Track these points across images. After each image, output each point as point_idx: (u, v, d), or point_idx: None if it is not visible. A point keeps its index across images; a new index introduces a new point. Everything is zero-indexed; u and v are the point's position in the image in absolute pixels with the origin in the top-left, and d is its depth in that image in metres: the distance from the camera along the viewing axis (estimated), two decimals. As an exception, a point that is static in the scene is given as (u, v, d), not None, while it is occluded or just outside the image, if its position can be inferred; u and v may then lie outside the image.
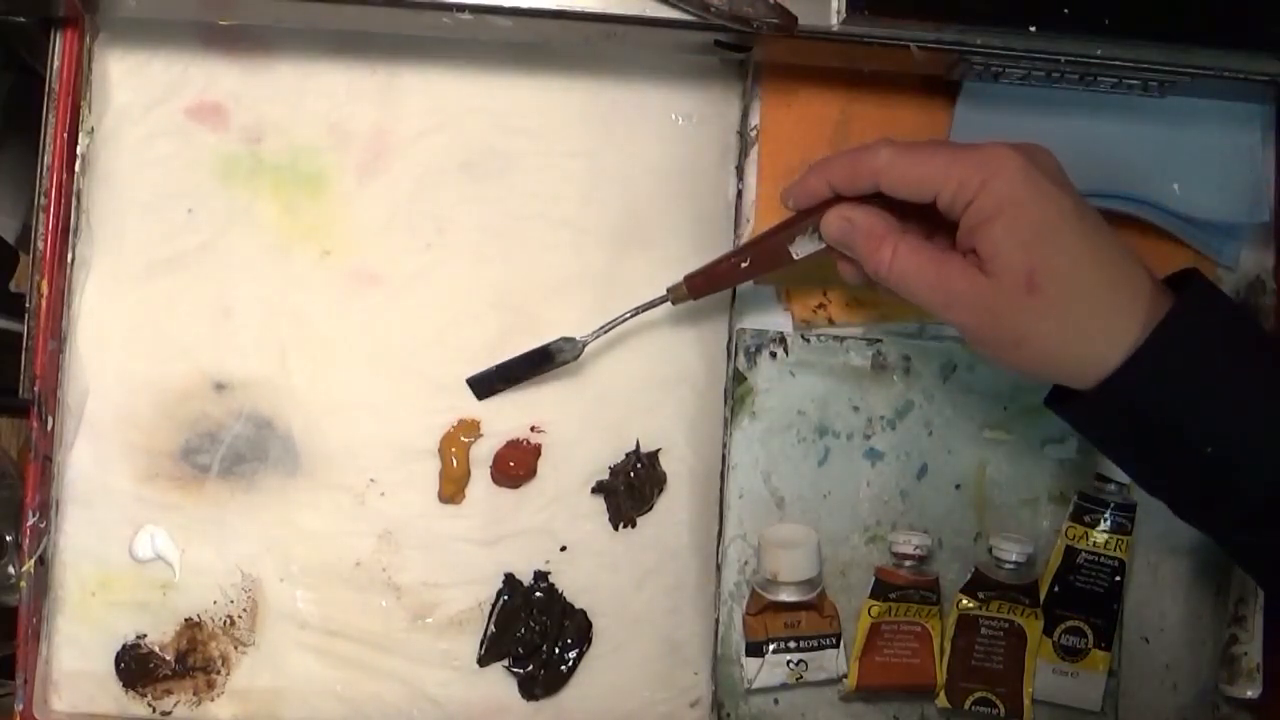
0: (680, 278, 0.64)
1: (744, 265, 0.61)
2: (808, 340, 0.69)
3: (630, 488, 0.67)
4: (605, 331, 0.65)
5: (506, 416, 0.67)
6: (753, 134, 0.69)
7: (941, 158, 0.53)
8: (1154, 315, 0.51)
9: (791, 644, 0.67)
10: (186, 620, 0.65)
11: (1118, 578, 0.68)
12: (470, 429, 0.67)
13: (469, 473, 0.67)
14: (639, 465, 0.67)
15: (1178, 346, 0.51)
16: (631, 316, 0.65)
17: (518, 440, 0.67)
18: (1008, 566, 0.67)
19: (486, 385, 0.67)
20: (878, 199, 0.56)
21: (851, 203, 0.57)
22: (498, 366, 0.66)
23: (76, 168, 0.65)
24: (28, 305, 0.64)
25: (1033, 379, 0.56)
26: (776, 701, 0.68)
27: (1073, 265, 0.52)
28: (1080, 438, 0.70)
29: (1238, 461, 0.52)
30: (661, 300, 0.63)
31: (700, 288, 0.63)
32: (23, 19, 0.62)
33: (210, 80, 0.67)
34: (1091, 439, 0.58)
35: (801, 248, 0.59)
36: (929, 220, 0.56)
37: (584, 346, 0.65)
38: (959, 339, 0.70)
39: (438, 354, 0.67)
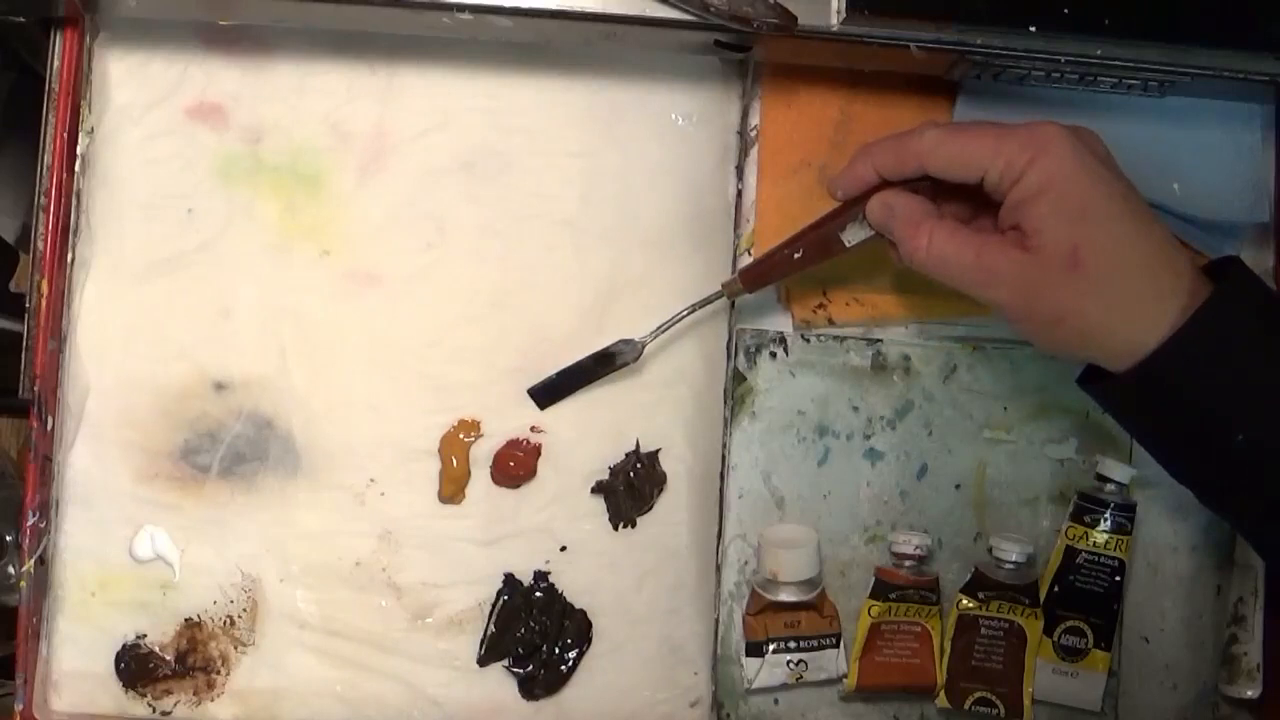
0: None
1: (796, 256, 0.61)
2: (808, 340, 0.69)
3: (630, 488, 0.67)
4: (663, 331, 0.65)
5: (506, 416, 0.67)
6: (753, 134, 0.69)
7: (989, 136, 0.54)
8: (1194, 300, 0.52)
9: (791, 644, 0.67)
10: (186, 620, 0.65)
11: (1118, 578, 0.68)
12: (470, 429, 0.67)
13: (469, 473, 0.67)
14: (639, 465, 0.67)
15: (1216, 331, 0.51)
16: (688, 314, 0.64)
17: (518, 440, 0.67)
18: (1008, 566, 0.67)
19: (549, 394, 0.66)
20: (926, 184, 0.56)
21: (895, 189, 0.57)
22: (558, 374, 0.66)
23: (76, 168, 0.65)
24: (28, 305, 0.64)
25: (1068, 358, 0.57)
26: (776, 701, 0.68)
27: (1116, 244, 0.52)
28: (1079, 439, 0.70)
29: (1270, 450, 0.52)
30: (717, 296, 0.63)
31: (754, 280, 0.63)
32: (23, 19, 0.62)
33: (210, 80, 0.67)
34: (1122, 420, 0.59)
35: (852, 235, 0.59)
36: (971, 205, 0.57)
37: (643, 347, 0.65)
38: (959, 339, 0.70)
39: (438, 354, 0.67)
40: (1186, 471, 0.57)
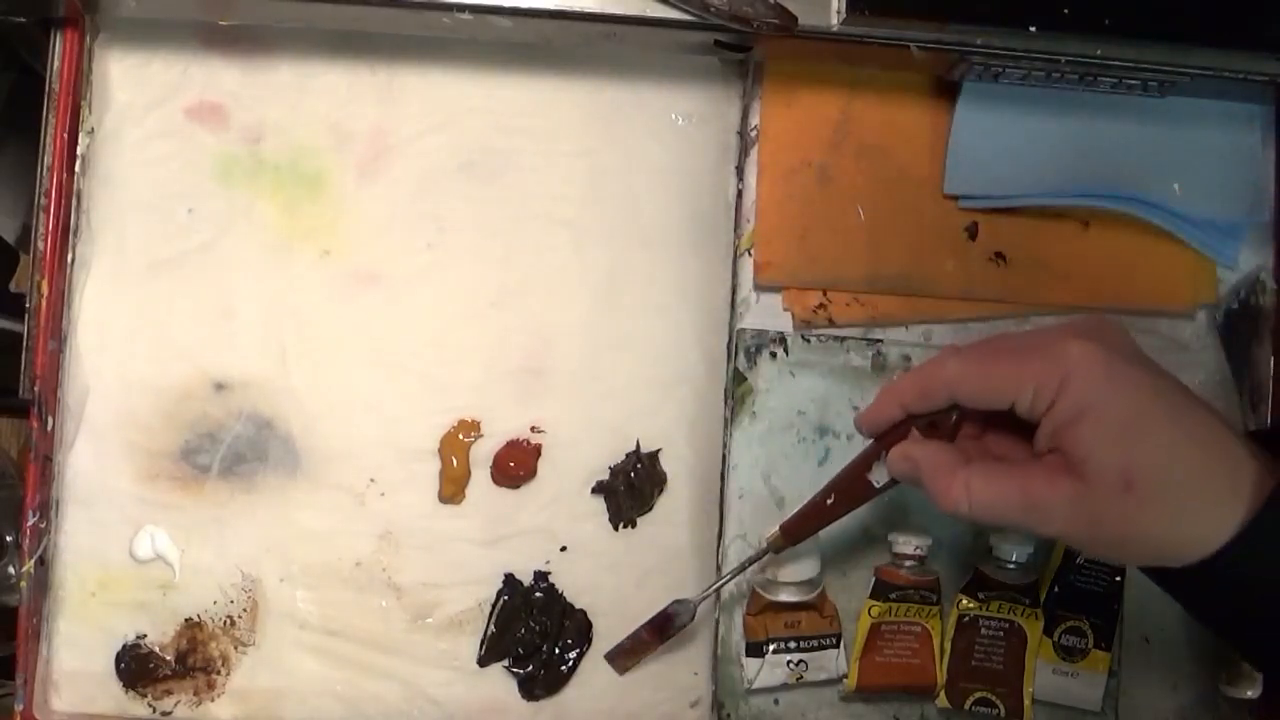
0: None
1: (830, 502, 0.60)
2: (808, 340, 0.69)
3: (630, 488, 0.67)
4: (714, 592, 0.65)
5: (506, 416, 0.67)
6: (753, 134, 0.69)
7: (1011, 362, 0.50)
8: (1260, 488, 0.48)
9: (791, 644, 0.67)
10: (186, 620, 0.65)
11: (1118, 578, 0.68)
12: (470, 429, 0.67)
13: (469, 473, 0.67)
14: (639, 465, 0.67)
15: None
16: (739, 573, 0.64)
17: (518, 440, 0.67)
18: (1008, 566, 0.67)
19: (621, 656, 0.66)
20: (954, 412, 0.54)
21: (914, 439, 0.55)
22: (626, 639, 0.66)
23: (76, 168, 0.65)
24: (28, 305, 0.64)
25: (1127, 565, 0.54)
26: (776, 701, 0.68)
27: (1168, 455, 0.48)
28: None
29: None
30: (764, 552, 0.62)
31: (793, 533, 0.61)
32: (23, 19, 0.62)
33: (210, 80, 0.67)
34: (1190, 609, 0.54)
35: (880, 475, 0.57)
36: (1006, 423, 0.54)
37: (696, 607, 0.65)
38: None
39: (438, 354, 0.67)
40: (1264, 659, 0.55)
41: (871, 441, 0.57)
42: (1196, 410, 0.50)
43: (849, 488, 0.59)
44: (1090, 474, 0.48)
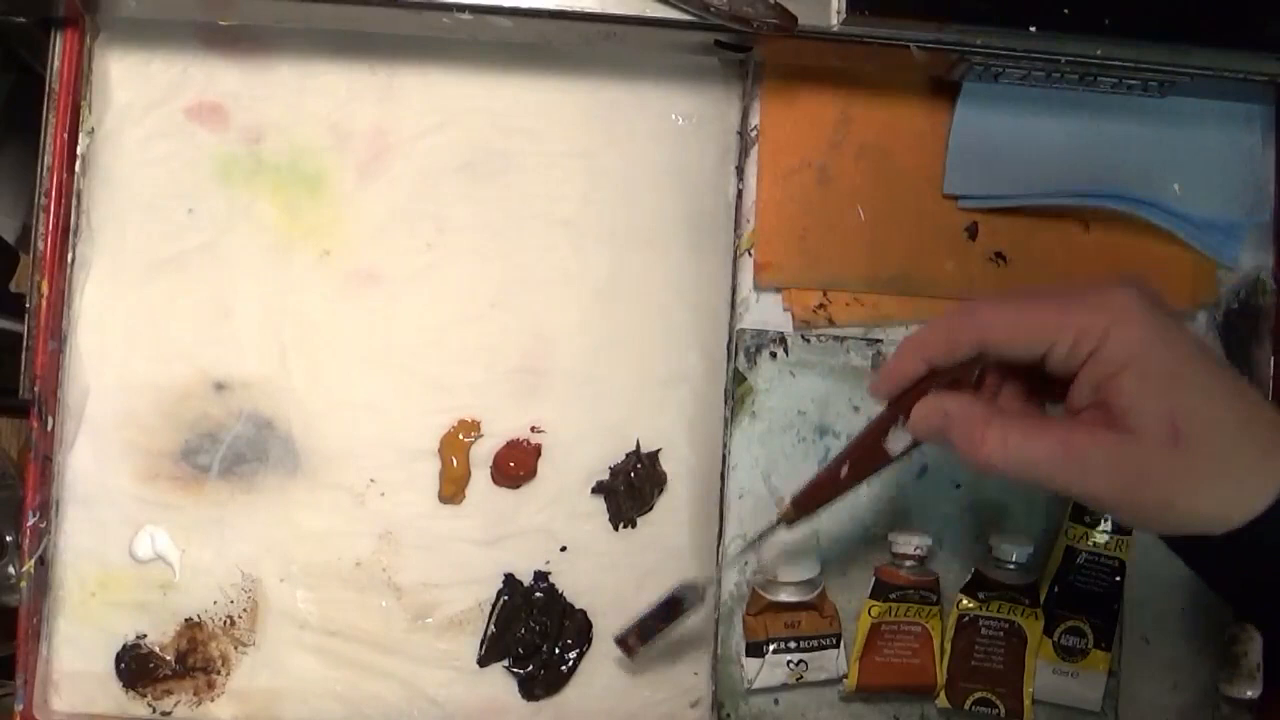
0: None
1: (844, 473, 0.57)
2: (808, 340, 0.69)
3: (630, 488, 0.67)
4: (718, 575, 0.66)
5: (506, 416, 0.67)
6: (753, 134, 0.69)
7: (1051, 309, 0.48)
8: None
9: (791, 644, 0.67)
10: (186, 620, 0.65)
11: (1118, 578, 0.68)
12: (470, 429, 0.67)
13: (469, 473, 0.67)
14: (639, 465, 0.67)
15: None
16: (750, 548, 0.64)
17: (518, 440, 0.67)
18: (1008, 566, 0.67)
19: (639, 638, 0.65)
20: (973, 374, 0.51)
21: (942, 391, 0.52)
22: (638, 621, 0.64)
23: (76, 168, 0.65)
24: (28, 305, 0.64)
25: (1166, 533, 0.51)
26: (776, 701, 0.68)
27: (1213, 408, 0.47)
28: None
29: None
30: (774, 526, 0.60)
31: (805, 505, 0.59)
32: (23, 19, 0.62)
33: (210, 80, 0.67)
34: (1218, 581, 0.53)
35: (897, 442, 0.54)
36: (1024, 387, 0.52)
37: (705, 590, 0.64)
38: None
39: (438, 354, 0.67)
40: None
41: (885, 407, 0.55)
42: (1229, 369, 0.48)
43: (864, 456, 0.56)
44: (1135, 425, 0.46)
